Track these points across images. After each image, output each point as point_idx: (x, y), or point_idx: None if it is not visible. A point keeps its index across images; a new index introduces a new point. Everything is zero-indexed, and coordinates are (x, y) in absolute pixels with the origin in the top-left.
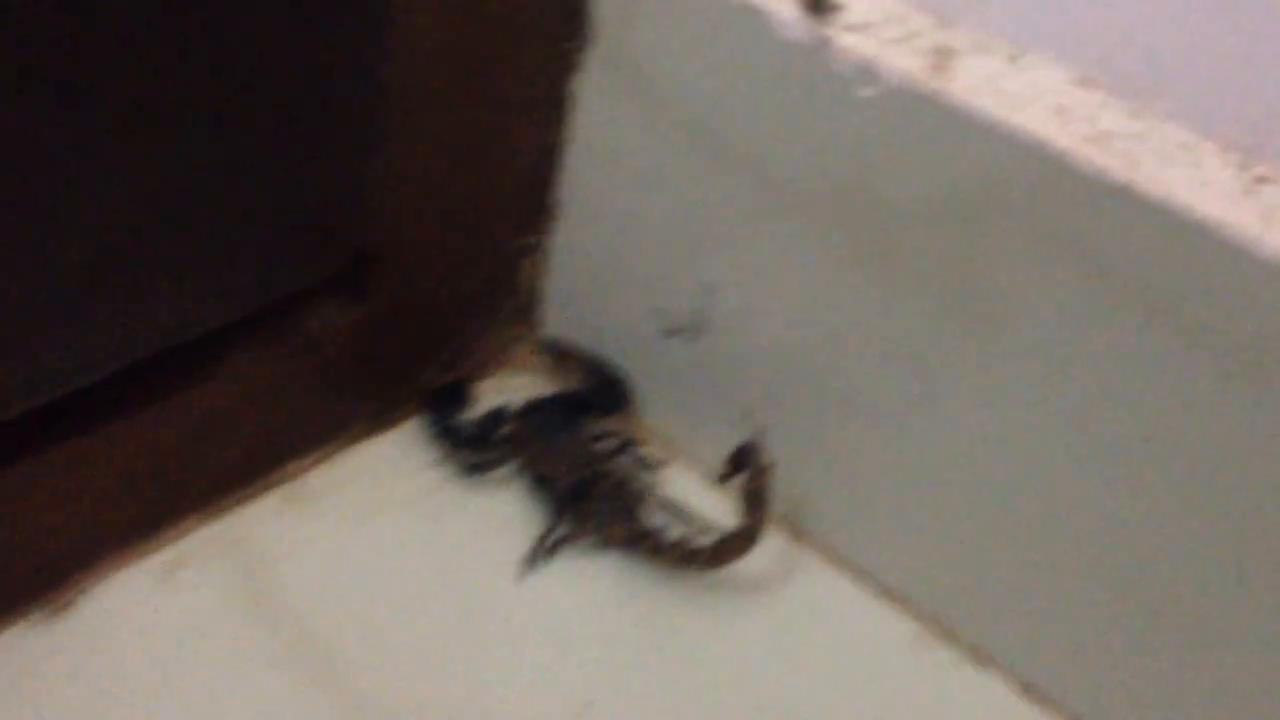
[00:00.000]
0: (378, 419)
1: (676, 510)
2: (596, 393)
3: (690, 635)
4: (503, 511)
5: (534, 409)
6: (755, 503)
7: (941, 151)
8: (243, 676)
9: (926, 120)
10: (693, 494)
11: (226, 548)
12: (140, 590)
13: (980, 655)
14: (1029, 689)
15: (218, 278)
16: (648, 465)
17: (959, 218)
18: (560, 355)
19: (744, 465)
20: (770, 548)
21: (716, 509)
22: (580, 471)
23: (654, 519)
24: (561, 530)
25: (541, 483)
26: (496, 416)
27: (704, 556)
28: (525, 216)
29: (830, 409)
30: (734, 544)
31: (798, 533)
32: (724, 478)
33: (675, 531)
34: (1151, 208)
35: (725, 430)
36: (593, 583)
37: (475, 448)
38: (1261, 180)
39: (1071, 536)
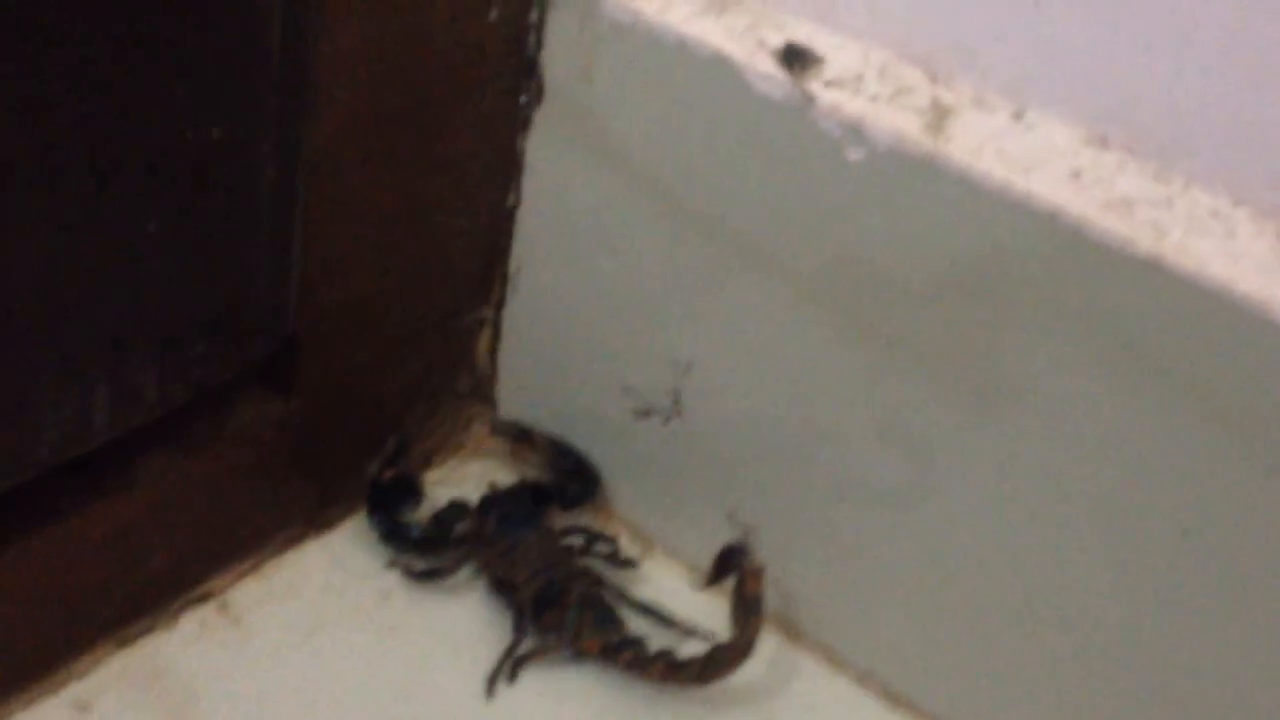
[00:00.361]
0: (313, 521)
1: (658, 615)
2: (561, 482)
3: None
4: (462, 623)
5: (492, 503)
6: (747, 610)
7: (942, 219)
8: None
9: (924, 185)
10: (673, 594)
11: (144, 680)
12: None
13: None
14: None
15: (122, 376)
16: (622, 563)
17: (962, 291)
18: (519, 439)
19: (732, 568)
20: (763, 650)
21: (702, 611)
22: (548, 574)
23: (632, 626)
24: (528, 644)
25: (504, 588)
26: (451, 513)
27: (693, 670)
28: (474, 289)
29: (820, 496)
30: (726, 656)
31: (792, 633)
32: (710, 581)
33: (658, 641)
34: (1182, 282)
35: (706, 521)
36: (567, 700)
37: (428, 550)
38: None
39: (1097, 634)
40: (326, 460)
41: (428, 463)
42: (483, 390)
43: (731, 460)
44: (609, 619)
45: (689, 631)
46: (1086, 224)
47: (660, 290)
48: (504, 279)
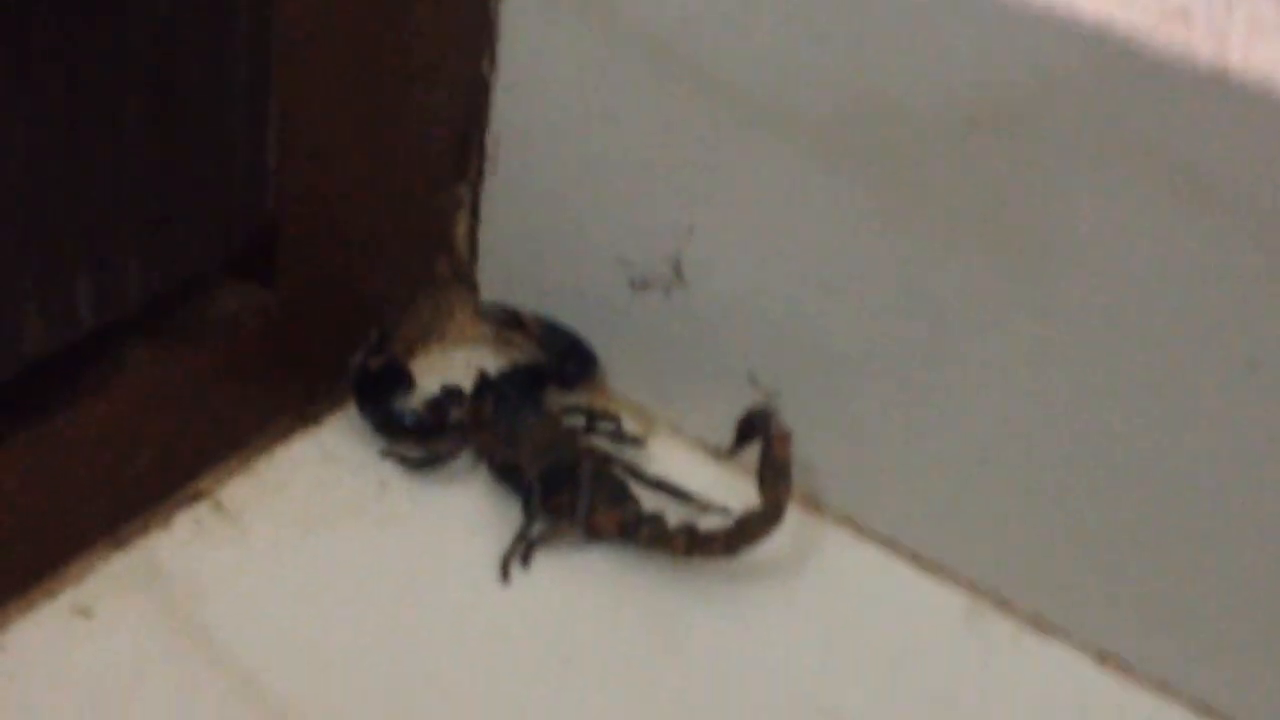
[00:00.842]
0: (300, 416)
1: (672, 490)
2: (556, 363)
3: (707, 631)
4: (465, 510)
5: (488, 386)
6: (776, 475)
7: (972, 46)
8: None
9: (953, 8)
10: (683, 472)
11: (144, 581)
12: (45, 641)
13: (1044, 625)
14: (1105, 657)
15: (104, 266)
16: (628, 441)
17: (996, 127)
18: (507, 323)
19: (757, 433)
20: (784, 525)
21: (714, 488)
22: (553, 454)
23: (645, 503)
24: (539, 526)
25: (508, 472)
26: (446, 399)
27: (720, 541)
28: (451, 165)
29: (838, 363)
30: (755, 524)
31: (812, 506)
32: (733, 449)
33: (674, 517)
34: (1248, 96)
35: (714, 395)
36: (585, 582)
37: (424, 437)
38: None
39: (1149, 487)
40: (310, 352)
41: (411, 353)
42: (463, 274)
43: (740, 329)
44: (623, 495)
45: (706, 506)
46: (1140, 37)
47: (656, 153)
48: (481, 154)
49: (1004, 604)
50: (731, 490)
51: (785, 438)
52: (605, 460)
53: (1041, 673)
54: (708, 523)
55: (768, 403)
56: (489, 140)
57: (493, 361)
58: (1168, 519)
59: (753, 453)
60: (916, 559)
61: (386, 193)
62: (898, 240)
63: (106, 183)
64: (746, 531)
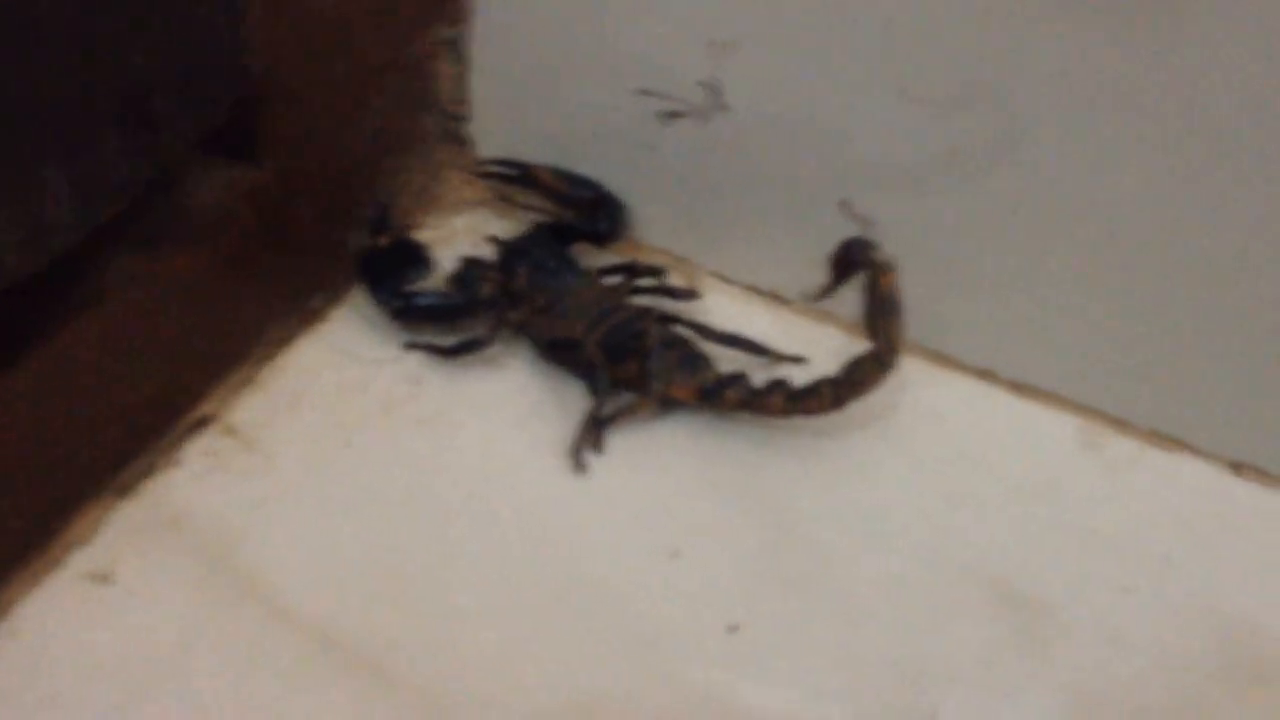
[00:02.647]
0: (300, 314)
1: (748, 345)
2: (580, 219)
3: (814, 494)
4: (516, 397)
5: (516, 253)
6: (886, 312)
7: None
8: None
9: None
10: (741, 325)
11: (163, 532)
12: (64, 617)
13: (1165, 441)
14: (1240, 467)
15: (80, 153)
16: (682, 294)
17: None
18: (515, 179)
19: (856, 268)
20: None
21: (783, 339)
22: (609, 321)
23: (715, 365)
24: (609, 404)
25: (559, 348)
26: (471, 272)
27: (824, 393)
28: (433, 3)
29: (910, 180)
30: (867, 370)
31: None
32: (826, 289)
33: (759, 374)
34: None
35: (767, 235)
36: (669, 459)
37: (452, 320)
38: None
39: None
40: (306, 236)
41: (408, 226)
42: (454, 129)
43: (797, 154)
44: (697, 358)
45: (787, 358)
46: None
47: None
48: None
49: (1118, 424)
50: (803, 339)
51: (891, 269)
52: (667, 320)
53: (1173, 487)
54: (801, 376)
55: (866, 232)
56: None
57: (500, 227)
58: None
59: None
60: (1017, 388)
61: (366, 44)
62: (971, 25)
63: (79, 55)
64: (856, 380)
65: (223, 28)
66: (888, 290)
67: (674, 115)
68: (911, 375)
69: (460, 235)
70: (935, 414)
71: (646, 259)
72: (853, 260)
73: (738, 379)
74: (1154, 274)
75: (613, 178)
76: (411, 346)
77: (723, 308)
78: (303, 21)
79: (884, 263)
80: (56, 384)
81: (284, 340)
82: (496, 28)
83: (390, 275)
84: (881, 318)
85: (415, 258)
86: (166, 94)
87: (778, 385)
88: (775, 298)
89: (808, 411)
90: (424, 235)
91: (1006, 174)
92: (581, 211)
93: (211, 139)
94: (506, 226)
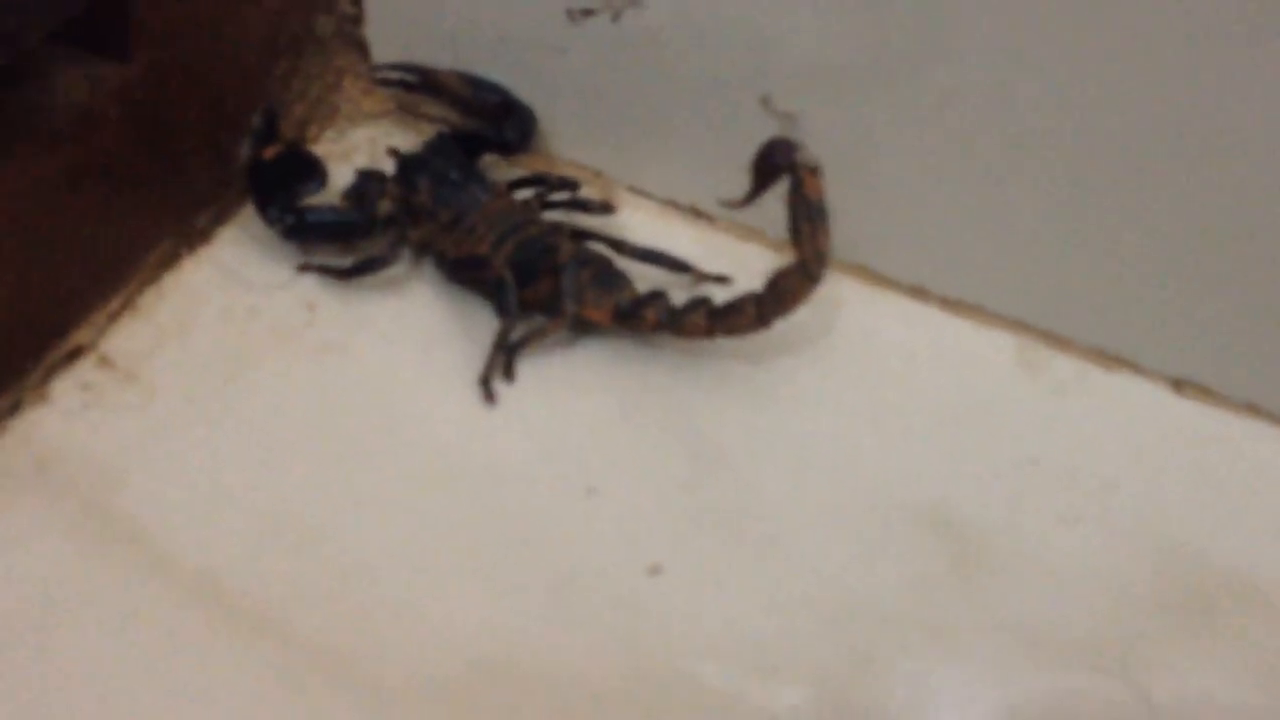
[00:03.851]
0: (183, 232)
1: (667, 261)
2: (490, 126)
3: (737, 420)
4: (420, 320)
5: (416, 164)
6: (812, 219)
7: None
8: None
9: None
10: (658, 241)
11: (28, 476)
12: None
13: (1106, 359)
14: (1181, 385)
15: None
16: (596, 208)
17: None
18: (417, 86)
19: (779, 171)
20: None
21: (703, 257)
22: (517, 236)
23: (633, 283)
24: (520, 327)
25: (465, 267)
26: (368, 185)
27: (749, 311)
28: None
29: (830, 82)
30: (793, 283)
31: None
32: (749, 196)
33: (676, 291)
34: None
35: (685, 143)
36: (584, 383)
37: (349, 237)
38: None
39: (1197, 189)
40: (185, 144)
41: (300, 140)
42: (348, 31)
43: (711, 52)
44: (613, 275)
45: (709, 276)
46: None
47: None
48: None
49: (1058, 342)
50: (727, 257)
51: (816, 171)
52: (581, 237)
53: (1115, 408)
54: (725, 296)
55: (789, 131)
56: None
57: (402, 139)
58: (1240, 224)
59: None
60: (951, 305)
61: None
62: None
63: None
64: (782, 293)
65: None
66: (813, 195)
67: (585, 13)
68: (840, 294)
69: (359, 148)
70: (865, 334)
71: (558, 172)
72: (775, 163)
73: (657, 297)
74: (1091, 180)
75: (520, 84)
76: (305, 268)
77: (641, 224)
78: None
79: (808, 164)
80: None
81: (166, 262)
82: None
83: (281, 190)
84: (806, 224)
85: (308, 170)
86: None
87: (700, 304)
88: (696, 213)
89: (731, 331)
90: (320, 148)
91: (934, 71)
92: (487, 119)
93: (71, 27)
94: (409, 139)
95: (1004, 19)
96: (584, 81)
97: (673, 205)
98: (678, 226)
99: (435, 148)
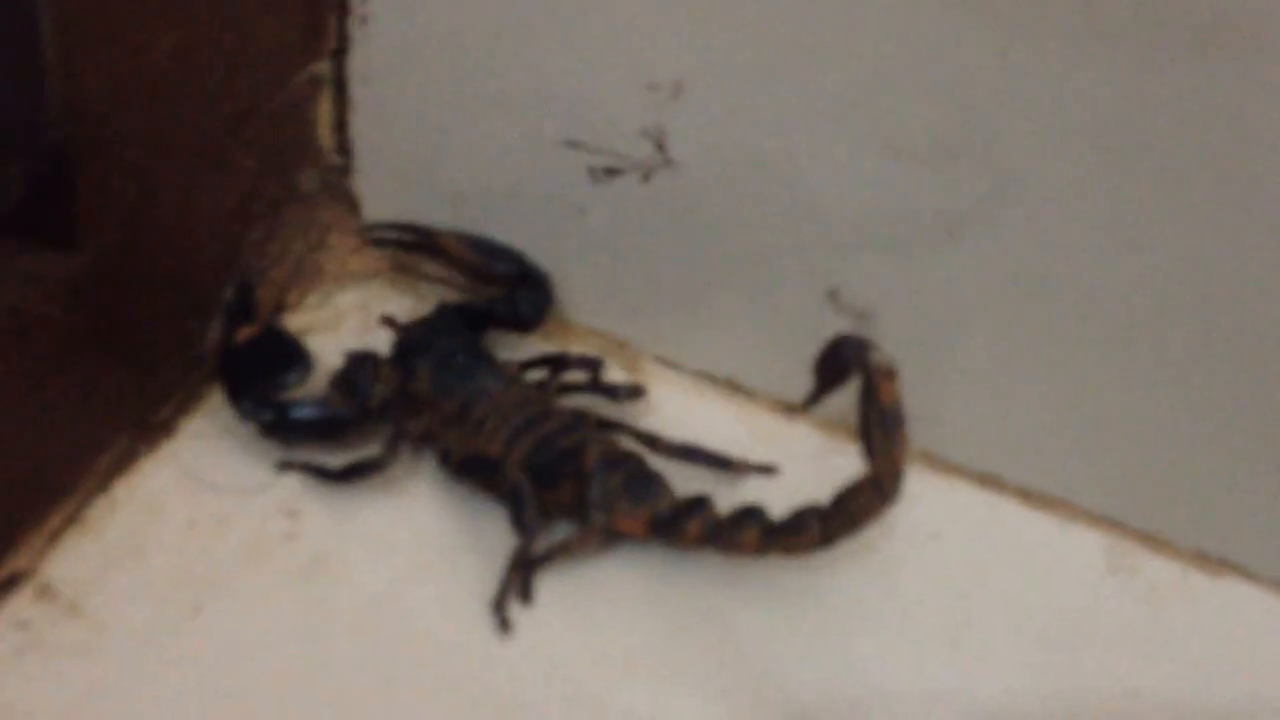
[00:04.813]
0: (140, 427)
1: (709, 457)
2: (497, 300)
3: (794, 635)
4: (420, 530)
5: (415, 344)
6: (887, 426)
7: None
8: None
9: None
10: (695, 424)
11: None
12: None
13: (1210, 563)
14: None
15: None
16: (624, 393)
17: None
18: (415, 246)
19: (849, 372)
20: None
21: (753, 439)
22: (535, 432)
23: (671, 488)
24: (543, 538)
25: (474, 468)
26: (359, 370)
27: (813, 528)
28: (301, 36)
29: (877, 245)
30: (865, 499)
31: None
32: (814, 397)
33: (723, 497)
34: None
35: (723, 311)
36: (615, 610)
37: (337, 434)
38: None
39: None
40: (139, 334)
41: (280, 306)
42: (336, 184)
43: (750, 215)
44: (648, 480)
45: (758, 468)
46: None
47: None
48: (341, 12)
49: (1154, 543)
50: (770, 439)
51: (892, 374)
52: (606, 428)
53: (1220, 618)
54: (774, 493)
55: (860, 328)
56: None
57: (398, 305)
58: None
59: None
60: (1027, 497)
61: (219, 85)
62: (959, 53)
63: None
64: (850, 511)
65: (18, 87)
66: (887, 401)
67: (609, 172)
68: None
69: (347, 316)
70: (934, 533)
71: (578, 344)
72: (844, 364)
73: (700, 506)
74: (1190, 359)
75: (531, 245)
76: (287, 467)
77: (671, 401)
78: (129, 69)
79: (883, 366)
80: None
81: (119, 465)
82: (383, 59)
83: (258, 378)
84: (880, 434)
85: (289, 355)
86: None
87: (751, 516)
88: (734, 387)
89: (789, 550)
90: (302, 319)
91: (1002, 238)
92: (497, 289)
93: (7, 221)
94: (405, 304)
95: (1079, 180)
96: (606, 243)
97: (707, 378)
98: (713, 402)
99: (436, 324)
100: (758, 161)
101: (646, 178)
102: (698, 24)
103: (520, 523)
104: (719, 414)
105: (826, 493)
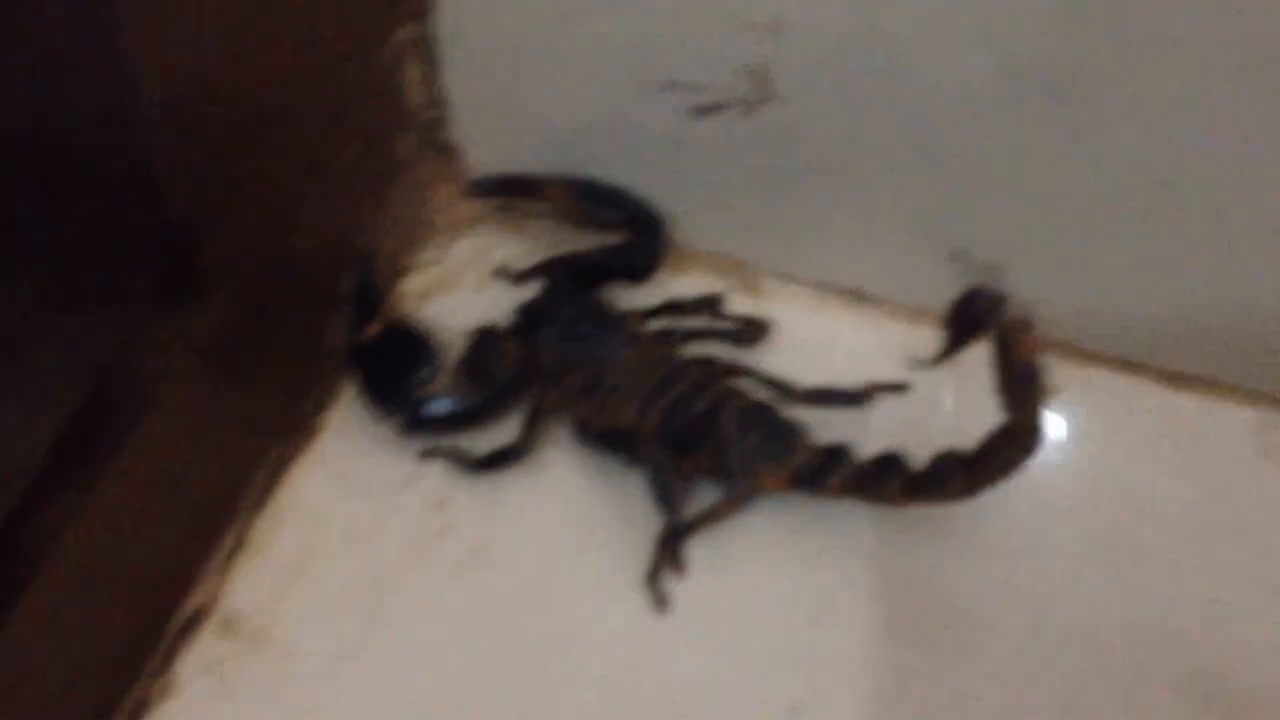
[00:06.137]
0: (287, 437)
1: (842, 398)
2: (611, 252)
3: (959, 565)
4: (569, 505)
5: (535, 320)
6: (1024, 382)
7: None
8: None
9: None
10: (825, 333)
11: None
12: None
13: None
14: None
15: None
16: (746, 339)
17: None
18: (521, 192)
19: (981, 328)
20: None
21: (878, 348)
22: (666, 396)
23: (809, 436)
24: (687, 514)
25: (611, 441)
26: (484, 354)
27: (955, 481)
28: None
29: (982, 163)
30: (1003, 452)
31: None
32: (949, 350)
33: (867, 439)
34: None
35: (832, 229)
36: (772, 556)
37: (475, 421)
38: None
39: None
40: (273, 344)
41: (396, 272)
42: (433, 138)
43: (859, 136)
44: (785, 433)
45: (892, 386)
46: None
47: None
48: None
49: None
50: (896, 345)
51: (1029, 329)
52: (737, 374)
53: None
54: (909, 409)
55: (992, 281)
56: None
57: (507, 249)
58: None
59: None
60: (1167, 375)
61: (317, 81)
62: None
63: None
64: (992, 464)
65: (145, 202)
66: (1024, 357)
67: (711, 108)
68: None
69: (465, 271)
70: (1083, 429)
71: (695, 269)
72: (977, 319)
73: (840, 456)
74: None
75: (639, 179)
76: (431, 454)
77: (794, 315)
78: (234, 114)
79: (1019, 322)
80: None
81: (273, 479)
82: (471, 15)
83: (390, 377)
84: (1019, 390)
85: (418, 351)
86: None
87: (892, 464)
88: (857, 296)
89: (931, 501)
90: (420, 280)
91: (1121, 123)
92: (611, 238)
93: (144, 291)
94: (519, 249)
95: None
96: (712, 173)
97: (828, 289)
98: (836, 313)
99: (554, 292)
100: (862, 89)
101: (749, 112)
102: None
103: (664, 501)
104: (844, 323)
105: (959, 402)
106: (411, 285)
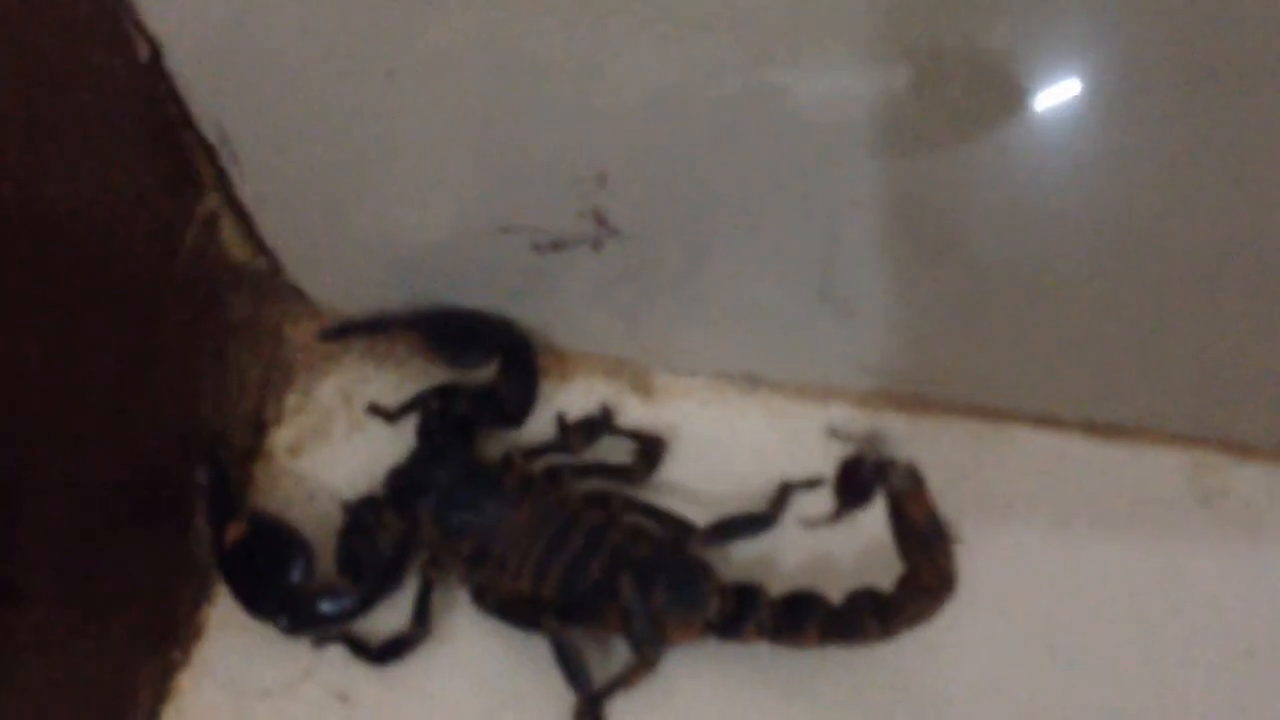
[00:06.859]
0: (170, 642)
1: (749, 527)
2: (477, 399)
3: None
4: (478, 676)
5: (408, 490)
6: (925, 541)
7: None
8: None
9: None
10: (726, 425)
11: None
12: None
13: None
14: None
15: None
16: (640, 472)
17: None
18: (374, 330)
19: (869, 493)
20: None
21: (778, 432)
22: (561, 557)
23: (715, 575)
24: (602, 678)
25: (511, 611)
26: (362, 529)
27: (870, 625)
28: (172, 185)
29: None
30: (919, 603)
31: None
32: (839, 514)
33: (782, 565)
34: None
35: (714, 320)
36: (696, 704)
37: (362, 612)
38: None
39: None
40: (133, 557)
41: (262, 425)
42: (269, 287)
43: (708, 260)
44: (692, 581)
45: (802, 485)
46: None
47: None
48: (207, 151)
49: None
50: (798, 430)
51: (918, 488)
52: (637, 527)
53: None
54: (833, 584)
55: (873, 441)
56: (204, 128)
57: (377, 384)
58: None
59: None
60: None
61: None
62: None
63: None
64: (909, 613)
65: None
66: (919, 516)
67: (556, 246)
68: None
69: (334, 415)
70: (1008, 496)
71: (581, 376)
72: (864, 488)
73: (752, 599)
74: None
75: (499, 300)
76: (323, 642)
77: (691, 411)
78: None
79: (907, 485)
80: None
81: (157, 701)
82: (273, 182)
83: (261, 580)
84: (921, 548)
85: (283, 545)
86: None
87: (810, 606)
88: (749, 379)
89: (850, 643)
90: (289, 434)
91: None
92: (477, 386)
93: None
94: (387, 382)
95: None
96: (577, 288)
97: (722, 376)
98: (734, 403)
99: (429, 456)
100: (696, 218)
101: (596, 247)
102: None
103: (572, 677)
104: (744, 411)
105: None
106: (281, 439)
